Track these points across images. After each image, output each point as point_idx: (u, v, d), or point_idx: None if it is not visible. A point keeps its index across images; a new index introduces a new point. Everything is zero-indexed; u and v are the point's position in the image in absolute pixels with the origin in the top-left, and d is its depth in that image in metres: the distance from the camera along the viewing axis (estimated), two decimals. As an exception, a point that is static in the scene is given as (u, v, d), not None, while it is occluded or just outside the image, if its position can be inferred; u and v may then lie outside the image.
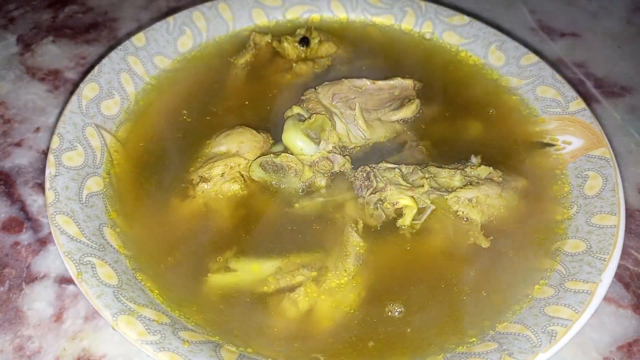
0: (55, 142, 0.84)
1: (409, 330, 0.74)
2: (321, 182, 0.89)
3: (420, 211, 0.85)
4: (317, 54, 1.13)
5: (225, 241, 0.82)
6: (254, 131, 0.92)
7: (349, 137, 0.94)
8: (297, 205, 0.86)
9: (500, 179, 0.89)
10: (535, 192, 0.91)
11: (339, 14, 1.22)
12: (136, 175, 0.89)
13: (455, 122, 1.02)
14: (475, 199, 0.85)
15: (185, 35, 1.11)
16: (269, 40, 1.13)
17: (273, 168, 0.87)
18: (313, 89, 0.99)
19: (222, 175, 0.87)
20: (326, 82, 1.01)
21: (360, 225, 0.83)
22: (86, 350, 0.78)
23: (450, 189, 0.87)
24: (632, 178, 1.06)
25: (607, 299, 0.87)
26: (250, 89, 1.06)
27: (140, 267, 0.78)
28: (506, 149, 0.97)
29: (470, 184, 0.86)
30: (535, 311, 0.74)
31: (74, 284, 0.80)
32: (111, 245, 0.78)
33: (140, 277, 0.76)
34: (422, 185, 0.85)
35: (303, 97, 0.98)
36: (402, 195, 0.84)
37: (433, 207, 0.85)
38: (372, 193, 0.85)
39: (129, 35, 1.08)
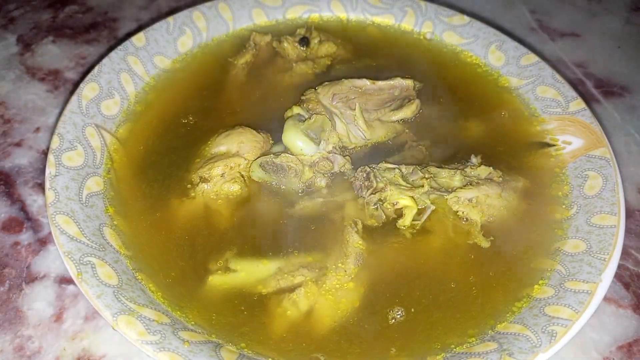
0: (55, 142, 0.84)
1: (409, 329, 0.74)
2: (321, 182, 0.89)
3: (420, 211, 0.85)
4: (317, 54, 1.13)
5: (225, 241, 0.82)
6: (254, 131, 0.92)
7: (349, 137, 0.94)
8: (297, 205, 0.86)
9: (500, 179, 0.89)
10: (535, 192, 0.91)
11: (339, 14, 1.22)
12: (136, 175, 0.89)
13: (456, 122, 1.02)
14: (475, 199, 0.85)
15: (185, 35, 1.11)
16: (269, 40, 1.13)
17: (273, 168, 0.87)
18: (313, 89, 0.99)
19: (222, 175, 0.87)
20: (326, 82, 1.01)
21: (360, 226, 0.83)
22: (86, 350, 0.78)
23: (450, 189, 0.87)
24: (632, 178, 1.06)
25: (607, 299, 0.87)
26: (250, 89, 1.06)
27: (140, 267, 0.78)
28: (506, 149, 0.97)
29: (470, 184, 0.86)
30: (535, 311, 0.74)
31: (74, 284, 0.80)
32: (111, 245, 0.78)
33: (140, 277, 0.76)
34: (422, 186, 0.85)
35: (303, 97, 0.98)
36: (402, 196, 0.84)
37: (433, 207, 0.85)
38: (372, 193, 0.85)
39: (129, 35, 1.08)
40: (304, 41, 1.12)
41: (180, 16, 1.11)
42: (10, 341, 0.78)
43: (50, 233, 0.89)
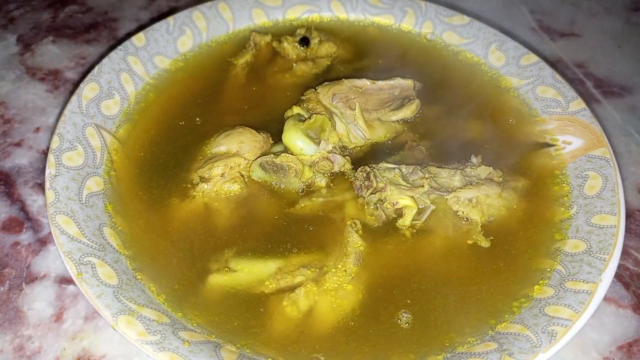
0: (55, 142, 0.84)
1: (409, 329, 0.74)
2: (321, 182, 0.89)
3: (420, 211, 0.85)
4: (317, 54, 1.13)
5: (225, 241, 0.82)
6: (254, 131, 0.92)
7: (349, 137, 0.94)
8: (297, 205, 0.86)
9: (500, 179, 0.89)
10: (535, 192, 0.91)
11: (339, 14, 1.22)
12: (136, 175, 0.89)
13: (455, 122, 1.02)
14: (475, 199, 0.85)
15: (185, 35, 1.11)
16: (269, 40, 1.13)
17: (273, 168, 0.87)
18: (313, 89, 0.99)
19: (222, 175, 0.87)
20: (326, 82, 1.01)
21: (360, 226, 0.83)
22: (86, 350, 0.78)
23: (450, 189, 0.87)
24: (632, 178, 1.06)
25: (607, 299, 0.87)
26: (250, 89, 1.06)
27: (140, 267, 0.78)
28: (506, 149, 0.97)
29: (470, 184, 0.86)
30: (535, 311, 0.74)
31: (74, 284, 0.80)
32: (111, 245, 0.78)
33: (140, 277, 0.76)
34: (422, 185, 0.85)
35: (303, 97, 0.98)
36: (402, 196, 0.84)
37: (433, 207, 0.85)
38: (372, 193, 0.85)
39: (129, 35, 1.08)
40: (304, 41, 1.12)
41: (180, 16, 1.11)
42: (10, 341, 0.78)
43: (50, 233, 0.89)
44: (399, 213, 0.85)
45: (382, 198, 0.85)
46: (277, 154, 0.88)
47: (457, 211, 0.85)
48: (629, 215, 0.97)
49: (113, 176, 0.88)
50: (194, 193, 0.87)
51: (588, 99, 1.20)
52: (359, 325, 0.74)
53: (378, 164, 0.89)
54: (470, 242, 0.83)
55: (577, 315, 0.71)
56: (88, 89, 0.94)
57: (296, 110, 0.94)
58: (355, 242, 0.81)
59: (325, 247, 0.81)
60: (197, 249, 0.81)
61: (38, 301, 0.83)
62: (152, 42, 1.06)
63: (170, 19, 1.09)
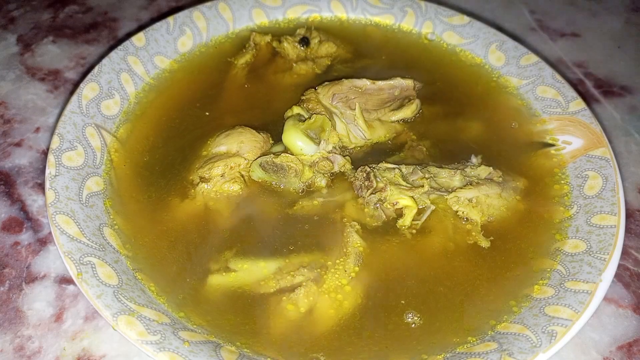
0: (55, 142, 0.84)
1: (409, 329, 0.74)
2: (321, 182, 0.89)
3: (420, 211, 0.85)
4: (317, 54, 1.13)
5: (225, 241, 0.82)
6: (254, 131, 0.92)
7: (349, 137, 0.94)
8: (297, 205, 0.86)
9: (500, 179, 0.89)
10: (535, 192, 0.91)
11: (339, 14, 1.22)
12: (136, 175, 0.89)
13: (455, 122, 1.02)
14: (475, 199, 0.85)
15: (185, 35, 1.11)
16: (269, 40, 1.13)
17: (273, 168, 0.87)
18: (313, 89, 0.99)
19: (222, 175, 0.87)
20: (326, 82, 1.01)
21: (360, 226, 0.83)
22: (86, 350, 0.78)
23: (450, 189, 0.87)
24: (632, 178, 1.06)
25: (607, 299, 0.87)
26: (250, 89, 1.06)
27: (140, 267, 0.78)
28: (506, 149, 0.97)
29: (470, 184, 0.86)
30: (535, 311, 0.74)
31: (74, 284, 0.80)
32: (111, 245, 0.78)
33: (140, 277, 0.76)
34: (422, 186, 0.85)
35: (303, 97, 0.98)
36: (402, 196, 0.84)
37: (433, 207, 0.85)
38: (372, 193, 0.85)
39: (129, 35, 1.08)
40: (304, 41, 1.12)
41: (180, 16, 1.11)
42: (10, 341, 0.78)
43: (50, 233, 0.89)
44: (399, 213, 0.85)
45: (382, 198, 0.85)
46: (277, 154, 0.88)
47: (457, 211, 0.85)
48: (629, 215, 0.97)
49: (113, 176, 0.88)
50: (194, 193, 0.87)
51: (588, 99, 1.20)
52: (359, 325, 0.74)
53: (378, 164, 0.89)
54: (470, 242, 0.83)
55: (577, 315, 0.71)
56: (88, 89, 0.94)
57: (296, 110, 0.94)
58: (355, 242, 0.81)
59: (325, 247, 0.81)
60: (197, 249, 0.81)
61: (38, 301, 0.83)
62: (152, 42, 1.06)
63: (170, 19, 1.09)
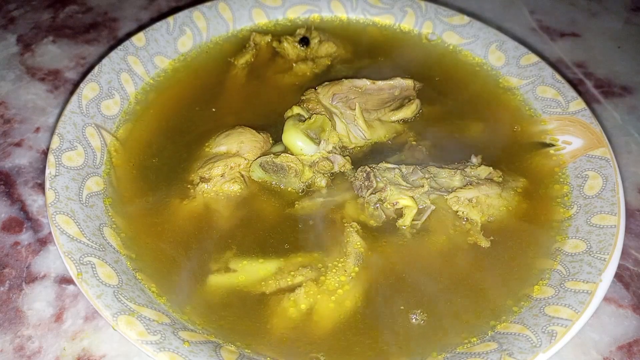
0: (55, 142, 0.84)
1: (409, 329, 0.74)
2: (321, 182, 0.89)
3: (420, 211, 0.85)
4: (317, 54, 1.13)
5: (225, 241, 0.82)
6: (254, 131, 0.92)
7: (349, 137, 0.94)
8: (297, 205, 0.86)
9: (500, 179, 0.89)
10: (535, 192, 0.91)
11: (339, 14, 1.22)
12: (136, 175, 0.89)
13: (455, 122, 1.02)
14: (475, 199, 0.85)
15: (185, 35, 1.11)
16: (269, 40, 1.13)
17: (273, 168, 0.87)
18: (313, 89, 0.99)
19: (222, 175, 0.87)
20: (326, 82, 1.01)
21: (360, 226, 0.83)
22: (86, 350, 0.78)
23: (450, 189, 0.87)
24: (632, 178, 1.06)
25: (607, 299, 0.87)
26: (250, 89, 1.06)
27: (140, 267, 0.78)
28: (506, 149, 0.97)
29: (470, 184, 0.86)
30: (535, 311, 0.74)
31: (74, 284, 0.80)
32: (111, 245, 0.78)
33: (140, 277, 0.76)
34: (422, 186, 0.85)
35: (303, 97, 0.98)
36: (402, 196, 0.84)
37: (433, 207, 0.85)
38: (372, 193, 0.85)
39: (129, 35, 1.08)
40: (304, 41, 1.12)
41: (180, 16, 1.11)
42: (10, 341, 0.78)
43: (50, 233, 0.89)
44: (399, 213, 0.85)
45: (382, 198, 0.85)
46: (277, 154, 0.88)
47: (457, 211, 0.85)
48: (629, 215, 0.97)
49: (113, 176, 0.88)
50: (194, 193, 0.87)
51: (588, 99, 1.20)
52: (358, 325, 0.74)
53: (378, 164, 0.89)
54: (470, 242, 0.83)
55: (577, 315, 0.71)
56: (88, 89, 0.94)
57: (296, 110, 0.94)
58: (355, 242, 0.81)
59: (325, 247, 0.81)
60: (197, 249, 0.81)
61: (38, 301, 0.83)
62: (152, 42, 1.06)
63: (170, 19, 1.09)
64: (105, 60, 0.98)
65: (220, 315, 0.74)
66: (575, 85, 1.23)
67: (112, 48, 1.05)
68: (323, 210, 0.86)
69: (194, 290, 0.77)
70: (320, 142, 0.89)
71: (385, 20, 1.21)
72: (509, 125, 1.01)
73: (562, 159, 0.95)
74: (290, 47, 1.12)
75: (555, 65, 1.25)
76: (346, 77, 1.02)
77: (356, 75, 1.03)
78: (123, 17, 1.35)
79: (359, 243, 0.81)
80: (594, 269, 0.76)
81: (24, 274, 0.86)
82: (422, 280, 0.79)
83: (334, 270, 0.78)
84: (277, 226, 0.84)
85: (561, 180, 0.92)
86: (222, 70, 1.09)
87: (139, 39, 1.04)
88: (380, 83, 1.02)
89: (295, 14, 1.21)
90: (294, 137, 0.88)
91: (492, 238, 0.84)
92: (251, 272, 0.78)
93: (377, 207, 0.85)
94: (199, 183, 0.87)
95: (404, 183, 0.86)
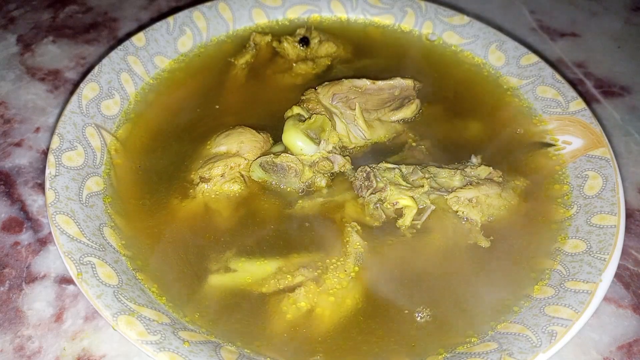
0: (55, 142, 0.84)
1: (408, 329, 0.74)
2: (321, 182, 0.89)
3: (420, 211, 0.85)
4: (317, 54, 1.13)
5: (225, 241, 0.82)
6: (254, 131, 0.92)
7: (349, 137, 0.94)
8: (297, 205, 0.86)
9: (500, 179, 0.89)
10: (535, 192, 0.91)
11: (339, 14, 1.22)
12: (136, 175, 0.89)
13: (455, 122, 1.02)
14: (475, 199, 0.85)
15: (185, 35, 1.11)
16: (269, 40, 1.13)
17: (273, 168, 0.87)
18: (313, 89, 0.99)
19: (222, 175, 0.87)
20: (326, 82, 1.01)
21: (360, 226, 0.83)
22: (86, 350, 0.78)
23: (450, 189, 0.87)
24: (632, 178, 1.06)
25: (607, 299, 0.87)
26: (250, 89, 1.06)
27: (140, 267, 0.78)
28: (506, 148, 0.97)
29: (470, 184, 0.86)
30: (535, 311, 0.74)
31: (74, 284, 0.80)
32: (111, 245, 0.78)
33: (140, 277, 0.76)
34: (422, 186, 0.85)
35: (303, 97, 0.98)
36: (402, 196, 0.84)
37: (433, 207, 0.85)
38: (372, 193, 0.85)
39: (129, 35, 1.08)
40: (304, 41, 1.12)
41: (180, 16, 1.11)
42: (10, 341, 0.78)
43: (50, 233, 0.89)
44: (399, 213, 0.85)
45: (382, 198, 0.85)
46: (277, 154, 0.88)
47: (457, 211, 0.85)
48: (629, 215, 0.97)
49: (113, 176, 0.88)
50: (194, 193, 0.87)
51: (588, 99, 1.20)
52: (358, 325, 0.74)
53: (378, 164, 0.89)
54: (470, 242, 0.83)
55: (577, 315, 0.71)
56: (88, 89, 0.94)
57: (296, 110, 0.94)
58: (355, 242, 0.81)
59: (325, 247, 0.81)
60: (197, 249, 0.81)
61: (38, 301, 0.83)
62: (152, 42, 1.06)
63: (170, 19, 1.09)
64: (105, 60, 0.99)
65: (220, 315, 0.74)
66: (575, 85, 1.23)
67: (112, 48, 1.05)
68: (323, 210, 0.86)
69: (194, 290, 0.77)
70: (320, 142, 0.89)
71: (385, 20, 1.21)
72: (509, 125, 1.01)
73: (562, 159, 0.95)
74: (290, 47, 1.12)
75: (555, 65, 1.25)
76: (346, 77, 1.01)
77: (356, 75, 1.03)
78: (123, 17, 1.35)
79: (358, 243, 0.81)
80: (594, 269, 0.76)
81: (24, 274, 0.86)
82: (422, 281, 0.79)
83: (334, 270, 0.78)
84: (277, 226, 0.84)
85: (561, 180, 0.92)
86: (222, 70, 1.09)
87: (139, 39, 1.04)
88: (380, 83, 1.02)
89: (295, 14, 1.21)
90: (294, 137, 0.88)
91: (492, 238, 0.84)
92: (251, 272, 0.78)
93: (377, 207, 0.85)
94: (199, 183, 0.87)
95: (404, 183, 0.86)
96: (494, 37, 1.13)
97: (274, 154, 0.88)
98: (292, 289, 0.76)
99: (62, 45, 1.26)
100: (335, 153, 0.90)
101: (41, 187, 0.97)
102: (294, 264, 0.79)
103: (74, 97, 0.92)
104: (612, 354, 0.81)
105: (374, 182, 0.85)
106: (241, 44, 1.14)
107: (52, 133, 0.86)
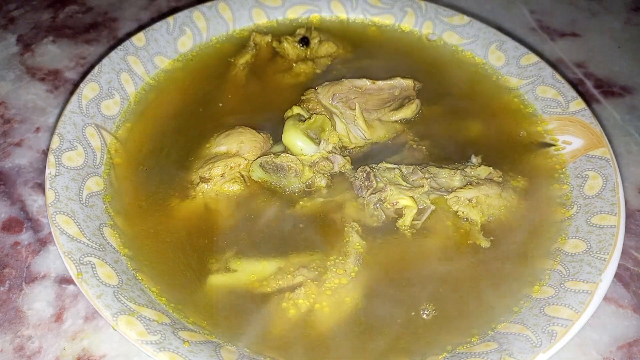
0: (55, 142, 0.84)
1: (408, 329, 0.74)
2: (321, 182, 0.89)
3: (420, 211, 0.85)
4: (317, 54, 1.13)
5: (225, 241, 0.82)
6: (254, 131, 0.93)
7: (349, 137, 0.94)
8: (297, 205, 0.86)
9: (500, 179, 0.89)
10: (535, 192, 0.91)
11: (339, 14, 1.22)
12: (136, 175, 0.89)
13: (455, 122, 1.02)
14: (475, 199, 0.85)
15: (185, 35, 1.11)
16: (269, 40, 1.13)
17: (273, 168, 0.87)
18: (313, 89, 0.99)
19: (222, 175, 0.87)
20: (326, 82, 1.01)
21: (360, 226, 0.83)
22: (86, 350, 0.78)
23: (450, 189, 0.87)
24: (632, 178, 1.06)
25: (607, 299, 0.87)
26: (250, 89, 1.06)
27: (140, 267, 0.78)
28: (506, 149, 0.97)
29: (470, 184, 0.86)
30: (535, 311, 0.74)
31: (74, 284, 0.80)
32: (111, 245, 0.78)
33: (140, 277, 0.76)
34: (422, 186, 0.85)
35: (303, 97, 0.98)
36: (402, 196, 0.84)
37: (433, 207, 0.85)
38: (372, 193, 0.85)
39: (129, 35, 1.08)
40: (304, 41, 1.12)
41: (180, 16, 1.11)
42: (10, 341, 0.78)
43: (50, 233, 0.89)
44: (399, 213, 0.85)
45: (382, 198, 0.85)
46: (277, 154, 0.88)
47: (457, 211, 0.85)
48: (629, 215, 0.97)
49: (113, 176, 0.88)
50: (194, 193, 0.87)
51: (588, 99, 1.20)
52: (358, 325, 0.74)
53: (378, 164, 0.89)
54: (470, 242, 0.83)
55: (577, 315, 0.71)
56: (88, 89, 0.94)
57: (296, 110, 0.94)
58: (355, 242, 0.81)
59: (325, 247, 0.81)
60: (197, 248, 0.81)
61: (38, 301, 0.83)
62: (152, 42, 1.06)
63: (170, 19, 1.09)
64: (105, 60, 0.99)
65: (220, 315, 0.74)
66: (575, 85, 1.23)
67: (112, 48, 1.05)
68: (323, 210, 0.86)
69: (194, 290, 0.77)
70: (320, 142, 0.89)
71: (385, 20, 1.21)
72: (508, 126, 1.01)
73: (562, 159, 0.95)
74: (290, 47, 1.12)
75: (555, 65, 1.25)
76: (346, 77, 1.01)
77: (356, 75, 1.03)
78: (123, 17, 1.35)
79: (358, 243, 0.81)
80: (594, 269, 0.76)
81: (24, 274, 0.86)
82: (422, 281, 0.79)
83: (334, 270, 0.78)
84: (277, 226, 0.84)
85: (561, 180, 0.92)
86: (222, 70, 1.09)
87: (139, 39, 1.04)
88: (380, 83, 1.02)
89: (295, 14, 1.21)
90: (294, 137, 0.88)
91: (492, 238, 0.84)
92: (251, 272, 0.78)
93: (377, 207, 0.85)
94: (199, 183, 0.87)
95: (404, 183, 0.86)
96: (494, 37, 1.13)
97: (274, 154, 0.88)
98: (292, 289, 0.76)
99: (62, 45, 1.27)
100: (335, 153, 0.90)
101: (41, 187, 0.97)
102: (294, 263, 0.79)
103: (74, 97, 0.92)
104: (612, 354, 0.81)
105: (374, 182, 0.85)
106: (241, 44, 1.14)
107: (52, 133, 0.86)
